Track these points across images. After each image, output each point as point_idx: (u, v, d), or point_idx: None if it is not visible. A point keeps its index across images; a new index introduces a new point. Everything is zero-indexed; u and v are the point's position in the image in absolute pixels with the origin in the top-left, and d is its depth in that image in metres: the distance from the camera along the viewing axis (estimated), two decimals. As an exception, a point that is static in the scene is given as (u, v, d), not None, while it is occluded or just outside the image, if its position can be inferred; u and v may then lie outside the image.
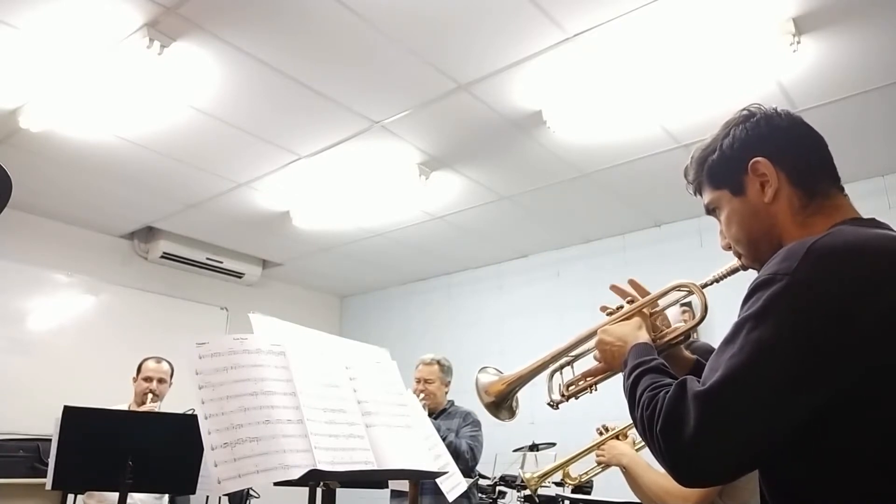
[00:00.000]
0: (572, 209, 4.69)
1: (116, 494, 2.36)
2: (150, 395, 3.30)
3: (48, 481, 2.42)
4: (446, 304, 6.12)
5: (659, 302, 1.28)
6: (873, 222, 0.96)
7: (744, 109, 1.11)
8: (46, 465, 3.20)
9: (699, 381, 0.87)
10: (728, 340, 0.88)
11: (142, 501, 3.09)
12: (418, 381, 3.41)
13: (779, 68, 3.03)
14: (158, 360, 3.44)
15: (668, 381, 0.95)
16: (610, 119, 3.48)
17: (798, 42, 2.75)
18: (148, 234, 5.30)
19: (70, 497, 3.28)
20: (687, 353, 1.31)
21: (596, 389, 1.30)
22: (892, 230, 0.93)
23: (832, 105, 3.28)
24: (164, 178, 4.24)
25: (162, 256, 5.28)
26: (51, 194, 4.52)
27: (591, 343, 1.26)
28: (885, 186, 3.93)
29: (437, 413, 3.40)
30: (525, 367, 1.37)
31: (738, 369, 0.83)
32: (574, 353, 1.34)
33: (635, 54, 2.95)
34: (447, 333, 5.94)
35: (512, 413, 1.38)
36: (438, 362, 3.47)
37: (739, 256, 1.11)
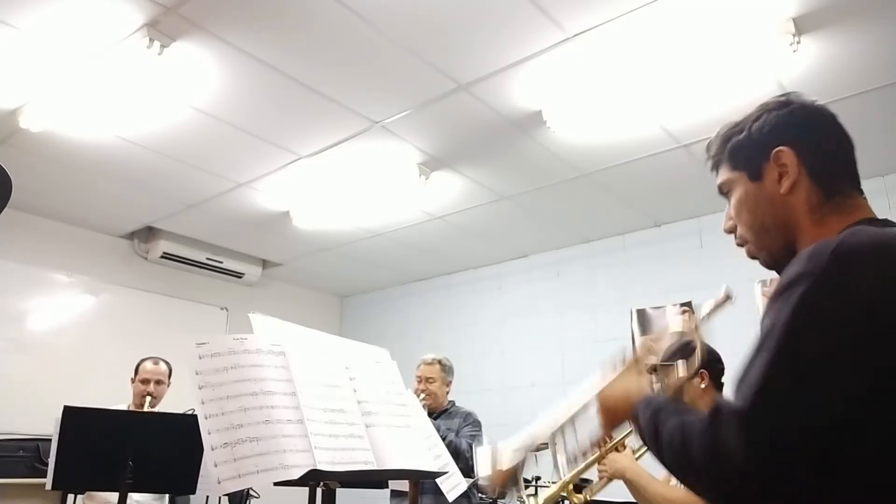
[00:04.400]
0: (572, 209, 4.69)
1: (116, 494, 2.36)
2: (148, 399, 3.29)
3: (48, 481, 2.42)
4: (446, 304, 6.11)
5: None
6: (888, 222, 0.95)
7: (782, 95, 1.07)
8: (46, 465, 3.20)
9: (730, 402, 0.82)
10: (758, 349, 0.83)
11: (142, 502, 3.09)
12: (419, 381, 3.41)
13: (779, 68, 3.03)
14: (156, 361, 3.43)
15: (694, 411, 0.89)
16: (610, 119, 3.48)
17: (798, 42, 2.75)
18: (148, 234, 5.30)
19: (70, 497, 3.28)
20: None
21: (605, 449, 1.28)
22: None
23: (832, 105, 3.21)
24: (164, 178, 4.24)
25: (162, 256, 5.27)
26: (51, 194, 4.52)
27: (591, 411, 1.22)
28: (885, 186, 3.93)
29: (438, 413, 3.40)
30: (522, 449, 1.34)
31: (774, 379, 0.79)
32: (573, 422, 1.30)
33: (635, 54, 2.95)
34: (447, 333, 5.94)
35: (519, 486, 1.37)
36: (440, 362, 3.47)
37: (744, 243, 1.08)
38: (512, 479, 1.32)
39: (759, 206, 1.03)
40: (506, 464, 1.31)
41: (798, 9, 2.66)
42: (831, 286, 0.81)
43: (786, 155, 1.00)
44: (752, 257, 1.07)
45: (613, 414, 1.13)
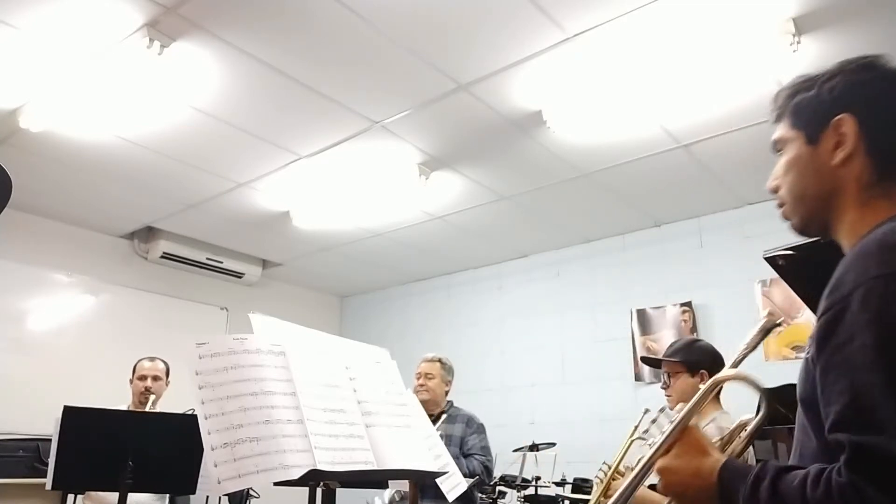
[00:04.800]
0: (572, 209, 4.69)
1: (116, 494, 2.36)
2: (151, 397, 3.30)
3: (48, 481, 2.42)
4: (446, 304, 6.12)
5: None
6: None
7: (867, 57, 0.96)
8: (46, 465, 3.20)
9: (854, 434, 0.73)
10: (846, 365, 0.75)
11: (142, 502, 3.08)
12: (418, 377, 3.40)
13: (779, 68, 3.03)
14: (152, 358, 3.43)
15: (818, 468, 0.78)
16: (610, 119, 3.48)
17: (798, 42, 2.75)
18: (148, 234, 5.30)
19: (70, 497, 3.28)
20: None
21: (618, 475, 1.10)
22: None
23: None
24: (164, 178, 4.24)
25: (162, 256, 5.28)
26: (51, 194, 4.52)
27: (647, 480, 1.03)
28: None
29: (437, 416, 3.36)
30: None
31: (868, 400, 0.71)
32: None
33: (635, 54, 2.95)
34: (447, 333, 5.94)
35: None
36: (440, 360, 3.47)
37: (782, 205, 1.01)
38: None
39: (806, 171, 0.96)
40: None
41: (798, 9, 2.66)
42: (890, 285, 0.74)
43: (847, 123, 0.92)
44: (786, 219, 1.02)
45: (685, 494, 0.95)
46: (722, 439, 1.05)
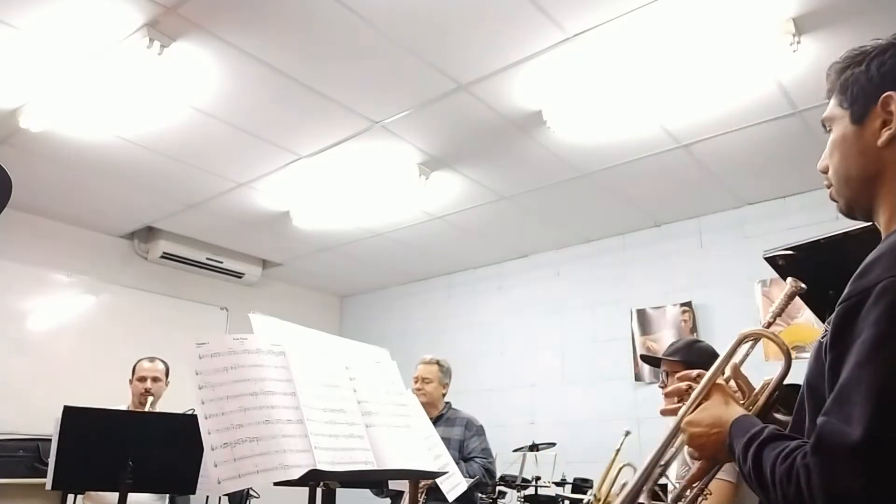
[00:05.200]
0: (572, 209, 4.69)
1: (116, 495, 2.36)
2: (150, 399, 3.29)
3: (48, 481, 2.42)
4: (446, 304, 6.12)
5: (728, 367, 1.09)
6: None
7: None
8: (46, 465, 3.20)
9: (831, 423, 0.74)
10: (861, 362, 0.74)
11: (142, 502, 3.08)
12: (416, 380, 3.39)
13: (779, 68, 3.03)
14: (152, 359, 3.42)
15: (797, 443, 0.80)
16: (610, 119, 3.48)
17: (798, 42, 2.75)
18: (148, 234, 5.30)
19: (70, 497, 3.28)
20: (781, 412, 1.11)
21: (710, 493, 1.10)
22: None
23: (832, 105, 3.27)
24: (164, 178, 4.24)
25: (162, 256, 5.28)
26: (51, 194, 4.52)
27: (678, 442, 1.07)
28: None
29: (436, 419, 3.35)
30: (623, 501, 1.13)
31: (886, 397, 0.70)
32: (664, 461, 1.11)
33: (635, 54, 2.95)
34: (447, 333, 5.94)
35: None
36: (438, 362, 3.45)
37: (829, 185, 0.98)
38: None
39: (851, 151, 0.93)
40: None
41: (798, 9, 2.66)
42: None
43: (895, 102, 0.88)
44: (833, 200, 0.99)
45: (706, 445, 0.98)
46: (746, 397, 1.08)
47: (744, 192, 4.30)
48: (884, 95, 0.89)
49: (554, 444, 4.35)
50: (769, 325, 1.09)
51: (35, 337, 4.72)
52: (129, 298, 5.24)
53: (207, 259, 5.49)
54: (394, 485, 2.81)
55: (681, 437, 1.05)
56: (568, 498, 4.11)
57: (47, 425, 2.61)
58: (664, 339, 4.46)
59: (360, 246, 5.45)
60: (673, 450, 1.09)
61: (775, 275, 1.65)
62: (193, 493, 2.59)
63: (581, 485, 4.18)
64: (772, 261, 1.56)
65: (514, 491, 4.20)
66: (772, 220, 4.26)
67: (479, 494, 3.50)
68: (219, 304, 5.82)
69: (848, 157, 0.93)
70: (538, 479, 4.16)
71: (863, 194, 0.93)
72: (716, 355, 2.37)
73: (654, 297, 4.75)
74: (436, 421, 3.34)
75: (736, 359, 1.09)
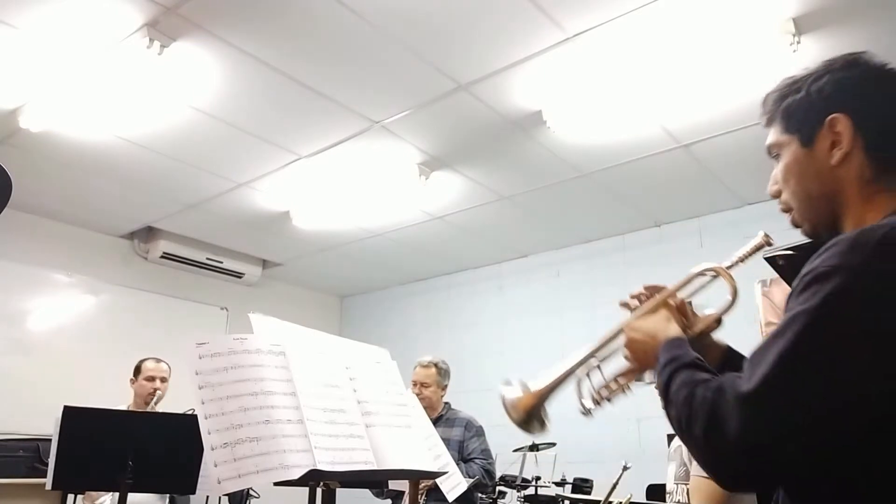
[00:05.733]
0: (572, 209, 4.69)
1: (116, 494, 2.36)
2: (156, 395, 3.33)
3: (48, 481, 2.42)
4: (446, 304, 6.11)
5: (683, 292, 1.19)
6: None
7: (852, 55, 0.97)
8: (46, 464, 3.20)
9: (740, 378, 0.81)
10: (778, 334, 0.80)
11: (142, 502, 3.09)
12: (414, 385, 3.35)
13: (779, 68, 3.01)
14: (157, 360, 3.47)
15: (706, 376, 0.88)
16: (610, 119, 3.48)
17: (798, 42, 2.75)
18: (148, 234, 5.30)
19: (70, 497, 3.28)
20: (718, 340, 1.21)
21: (630, 390, 1.21)
22: None
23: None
24: (164, 178, 4.24)
25: (162, 256, 5.28)
26: (51, 194, 4.52)
27: (619, 342, 1.18)
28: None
29: (435, 419, 3.33)
30: (552, 377, 1.30)
31: (787, 366, 0.77)
32: (601, 355, 1.25)
33: (635, 54, 2.95)
34: (447, 333, 5.94)
35: (543, 425, 1.29)
36: (436, 365, 3.40)
37: (788, 210, 1.02)
38: (537, 408, 1.28)
39: (806, 174, 0.97)
40: (534, 394, 1.28)
41: (798, 9, 2.66)
42: (869, 284, 0.76)
43: (841, 123, 0.92)
44: (795, 226, 1.02)
45: (640, 350, 1.09)
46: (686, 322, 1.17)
47: (744, 192, 4.30)
48: (829, 117, 0.93)
49: (554, 444, 4.34)
50: (730, 266, 1.19)
51: (35, 337, 4.72)
52: (130, 298, 5.24)
53: (207, 259, 5.49)
54: (394, 485, 2.81)
55: (620, 338, 1.16)
56: (568, 498, 4.11)
57: (47, 425, 2.61)
58: (664, 339, 4.45)
59: (360, 246, 5.45)
60: (612, 348, 1.21)
61: (775, 275, 1.65)
62: (193, 492, 2.59)
63: (581, 485, 4.18)
64: (772, 261, 1.56)
65: (514, 491, 4.20)
66: (772, 221, 4.23)
67: (480, 495, 3.50)
68: (219, 305, 5.82)
69: (805, 179, 0.97)
70: (538, 479, 4.16)
71: (827, 213, 0.97)
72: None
73: (654, 297, 4.74)
74: (435, 422, 3.32)
75: (688, 292, 1.19)
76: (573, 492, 4.17)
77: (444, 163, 4.01)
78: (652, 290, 1.20)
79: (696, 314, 1.19)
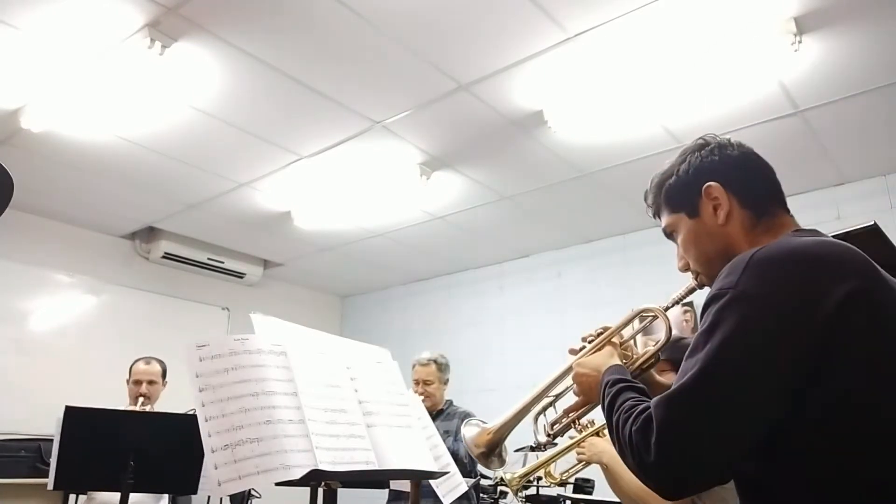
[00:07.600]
0: (573, 209, 4.68)
1: (118, 494, 2.36)
2: (140, 400, 3.25)
3: (50, 481, 2.42)
4: (447, 304, 6.11)
5: (626, 332, 1.34)
6: (814, 232, 1.04)
7: (699, 139, 1.17)
8: (48, 465, 3.21)
9: (658, 406, 0.91)
10: (687, 357, 0.93)
11: (143, 502, 3.08)
12: (416, 383, 3.35)
13: (780, 68, 3.03)
14: (147, 361, 3.36)
15: (632, 402, 0.99)
16: (611, 119, 3.48)
17: (799, 42, 2.74)
18: (149, 234, 5.30)
19: (71, 497, 3.28)
20: (661, 379, 1.37)
21: (579, 424, 1.33)
22: (826, 237, 1.01)
23: (834, 105, 3.27)
24: (165, 178, 4.24)
25: (163, 256, 5.28)
26: (52, 194, 4.52)
27: (569, 380, 1.32)
28: (886, 186, 3.92)
29: (435, 414, 3.36)
30: (508, 415, 1.45)
31: (694, 379, 0.88)
32: (554, 392, 1.42)
33: (636, 54, 2.95)
34: (447, 333, 5.94)
35: (502, 461, 1.43)
36: (435, 361, 3.40)
37: (697, 276, 1.17)
38: (496, 444, 1.41)
39: (701, 239, 1.12)
40: (491, 431, 1.43)
41: (799, 8, 2.66)
42: (746, 294, 0.89)
43: (715, 189, 1.10)
44: (706, 286, 1.12)
45: (586, 383, 1.23)
46: (628, 358, 1.31)
47: (745, 192, 4.29)
48: (704, 187, 1.10)
49: (555, 444, 4.34)
50: (667, 308, 1.30)
51: (36, 337, 4.73)
52: (131, 298, 5.24)
53: (208, 259, 5.49)
54: (395, 485, 2.81)
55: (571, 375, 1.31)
56: (569, 498, 4.11)
57: (49, 425, 2.61)
58: (665, 339, 4.45)
59: (361, 246, 5.45)
60: (564, 384, 1.37)
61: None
62: (195, 492, 2.59)
63: (583, 485, 4.17)
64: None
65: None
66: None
67: (481, 494, 3.50)
68: (220, 305, 5.82)
69: (701, 243, 1.13)
70: (539, 479, 4.16)
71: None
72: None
73: (654, 297, 4.71)
74: (437, 416, 3.33)
75: (630, 330, 1.33)
76: (574, 492, 4.16)
77: (445, 163, 4.01)
78: (602, 331, 1.35)
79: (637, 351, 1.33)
